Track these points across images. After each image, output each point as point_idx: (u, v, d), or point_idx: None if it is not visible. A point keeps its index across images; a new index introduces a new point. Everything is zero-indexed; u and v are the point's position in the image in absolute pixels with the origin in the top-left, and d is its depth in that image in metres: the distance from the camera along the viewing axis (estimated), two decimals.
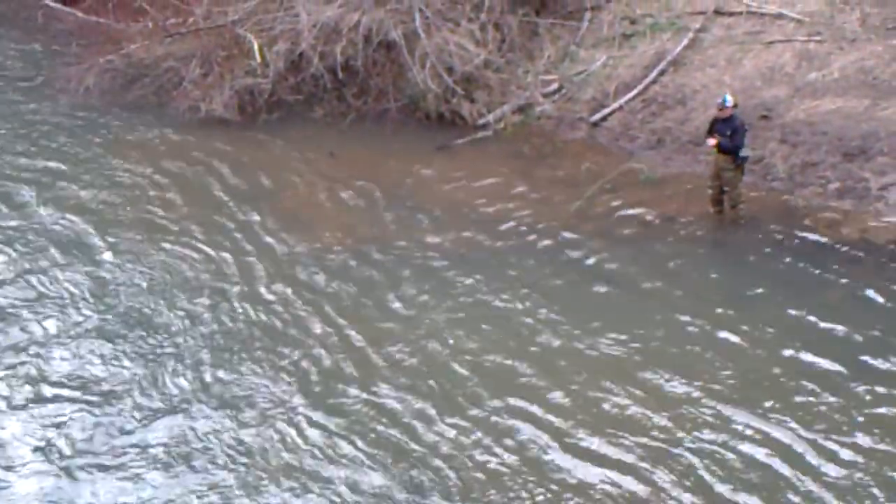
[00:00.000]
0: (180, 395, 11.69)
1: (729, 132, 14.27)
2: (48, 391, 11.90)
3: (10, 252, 15.04)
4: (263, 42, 19.74)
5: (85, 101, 20.66)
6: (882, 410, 10.69)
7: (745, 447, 10.31)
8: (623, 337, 12.20)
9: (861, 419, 10.57)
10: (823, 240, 14.08)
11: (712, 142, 14.37)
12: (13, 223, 15.99)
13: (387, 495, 10.06)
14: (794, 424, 10.55)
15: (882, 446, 10.19)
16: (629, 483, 9.98)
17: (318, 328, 12.87)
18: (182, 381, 11.92)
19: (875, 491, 9.67)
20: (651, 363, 11.68)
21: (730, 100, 14.43)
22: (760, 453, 10.21)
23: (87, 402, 11.63)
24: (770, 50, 18.03)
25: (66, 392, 11.87)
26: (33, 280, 14.25)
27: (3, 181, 17.49)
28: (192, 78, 20.09)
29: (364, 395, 11.52)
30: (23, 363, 12.35)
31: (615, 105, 18.21)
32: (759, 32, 18.61)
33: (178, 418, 11.30)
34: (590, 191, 15.57)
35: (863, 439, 10.30)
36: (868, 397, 10.87)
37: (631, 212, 15.07)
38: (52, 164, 18.14)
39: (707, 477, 9.95)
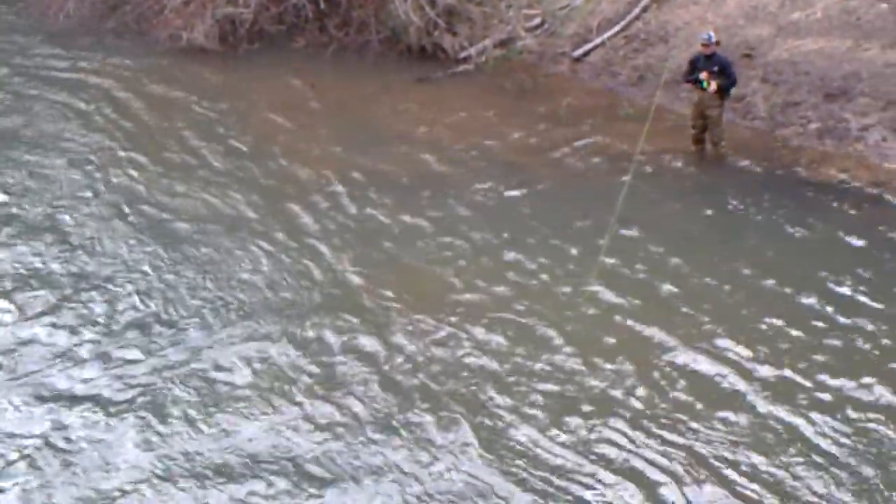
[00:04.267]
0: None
1: (716, 69, 14.29)
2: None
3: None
4: None
5: (64, 28, 20.47)
6: (860, 345, 10.86)
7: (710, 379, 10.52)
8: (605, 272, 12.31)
9: (834, 355, 10.75)
10: (803, 179, 14.22)
11: (705, 75, 14.29)
12: None
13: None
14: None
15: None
16: None
17: (297, 259, 12.94)
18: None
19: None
20: (629, 303, 11.83)
21: (714, 36, 14.46)
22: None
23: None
24: None
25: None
26: (36, 210, 14.19)
27: None
28: (173, 6, 19.95)
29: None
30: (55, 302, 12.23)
31: (598, 40, 18.20)
32: None
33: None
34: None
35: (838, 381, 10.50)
36: (841, 332, 11.05)
37: (611, 148, 15.11)
38: (31, 90, 18.05)
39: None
